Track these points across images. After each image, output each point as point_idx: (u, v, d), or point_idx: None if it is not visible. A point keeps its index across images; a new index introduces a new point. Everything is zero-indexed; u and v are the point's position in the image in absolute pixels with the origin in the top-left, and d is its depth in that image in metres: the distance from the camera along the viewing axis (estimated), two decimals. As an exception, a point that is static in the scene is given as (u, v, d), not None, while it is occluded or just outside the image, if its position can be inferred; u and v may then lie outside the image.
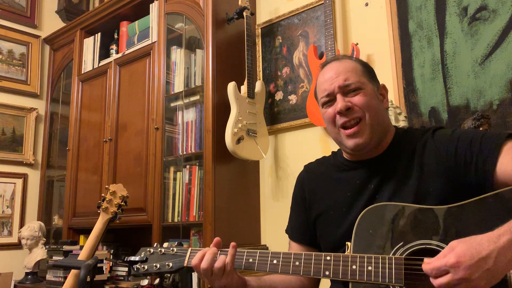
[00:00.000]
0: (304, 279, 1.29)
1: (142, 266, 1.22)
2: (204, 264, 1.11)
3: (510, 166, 0.99)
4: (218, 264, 1.11)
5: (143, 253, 1.24)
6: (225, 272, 1.11)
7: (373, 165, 1.20)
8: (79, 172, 3.24)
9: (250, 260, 1.12)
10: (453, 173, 1.07)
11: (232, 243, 1.13)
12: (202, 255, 1.14)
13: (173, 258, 1.20)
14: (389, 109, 1.86)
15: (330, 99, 1.21)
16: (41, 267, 3.20)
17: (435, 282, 0.87)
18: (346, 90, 1.18)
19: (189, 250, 1.20)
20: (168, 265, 1.20)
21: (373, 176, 1.19)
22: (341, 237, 1.17)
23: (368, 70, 1.24)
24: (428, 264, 0.89)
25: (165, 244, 1.26)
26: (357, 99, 1.17)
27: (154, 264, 1.21)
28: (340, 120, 1.18)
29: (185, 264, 1.18)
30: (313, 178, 1.34)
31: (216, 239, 1.18)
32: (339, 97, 1.18)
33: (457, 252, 0.86)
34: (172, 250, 1.22)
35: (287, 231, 1.39)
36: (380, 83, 1.27)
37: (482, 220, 0.94)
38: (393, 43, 2.19)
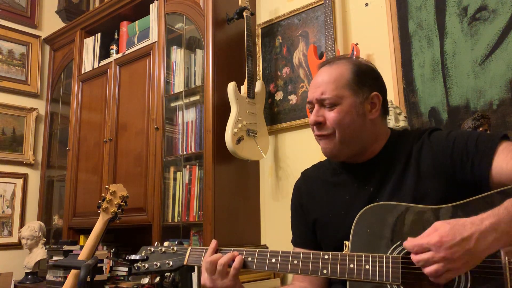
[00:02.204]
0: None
1: (143, 264, 1.23)
2: (214, 257, 1.14)
3: (505, 166, 1.00)
4: (225, 259, 1.13)
5: (144, 252, 1.25)
6: (230, 273, 1.13)
7: (369, 168, 1.21)
8: (79, 172, 3.24)
9: (249, 259, 1.13)
10: (449, 174, 1.09)
11: (238, 256, 1.15)
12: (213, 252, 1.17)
13: (174, 257, 1.21)
14: (389, 109, 1.86)
15: (312, 107, 1.23)
16: (41, 267, 3.20)
17: (415, 258, 0.90)
18: (322, 103, 1.20)
19: (189, 248, 1.21)
20: (169, 263, 1.21)
21: (370, 178, 1.19)
22: (341, 239, 1.17)
23: (357, 79, 1.20)
24: (410, 241, 0.91)
25: (166, 243, 1.27)
26: (330, 116, 1.18)
27: (155, 263, 1.22)
28: (314, 132, 1.23)
29: (185, 263, 1.20)
30: (310, 183, 1.35)
31: (213, 243, 1.19)
32: (315, 108, 1.21)
33: (441, 232, 0.89)
34: (173, 248, 1.23)
35: (291, 241, 1.39)
36: (373, 92, 1.21)
37: None
38: (393, 43, 2.19)
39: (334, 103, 1.17)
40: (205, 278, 1.15)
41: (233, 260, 1.14)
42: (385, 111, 1.26)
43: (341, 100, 1.18)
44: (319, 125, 1.20)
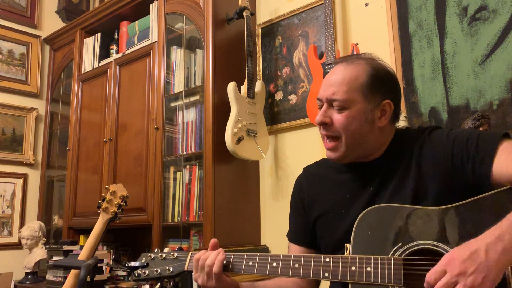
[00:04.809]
0: (301, 283, 1.29)
1: (143, 271, 1.22)
2: (204, 257, 1.14)
3: (506, 166, 1.00)
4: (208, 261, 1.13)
5: (143, 258, 1.25)
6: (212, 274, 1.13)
7: (371, 168, 1.20)
8: (79, 172, 3.24)
9: (250, 263, 1.13)
10: (450, 174, 1.08)
11: (219, 250, 1.15)
12: (205, 252, 1.16)
13: (174, 263, 1.21)
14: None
15: (321, 104, 1.22)
16: (41, 267, 3.20)
17: (436, 287, 0.88)
18: (331, 103, 1.18)
19: (190, 254, 1.21)
20: (169, 269, 1.20)
21: (372, 178, 1.19)
22: (341, 238, 1.17)
23: (371, 85, 1.16)
24: (427, 276, 0.90)
25: (166, 249, 1.27)
26: (337, 118, 1.16)
27: (155, 269, 1.21)
28: (321, 130, 1.21)
29: (185, 268, 1.19)
30: (312, 180, 1.34)
31: (213, 241, 1.19)
32: (324, 107, 1.19)
33: (450, 253, 0.90)
34: (173, 254, 1.22)
35: (287, 235, 1.39)
36: (386, 100, 1.17)
37: (480, 220, 0.95)
38: (393, 43, 2.18)
39: (343, 106, 1.15)
40: (196, 276, 1.16)
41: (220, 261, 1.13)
42: (396, 117, 1.22)
43: (351, 104, 1.15)
44: (325, 125, 1.19)
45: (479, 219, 0.96)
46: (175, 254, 1.22)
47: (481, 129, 1.70)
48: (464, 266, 0.85)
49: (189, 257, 1.20)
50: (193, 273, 1.17)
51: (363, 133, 1.17)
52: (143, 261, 1.24)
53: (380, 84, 1.18)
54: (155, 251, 1.26)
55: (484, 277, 0.85)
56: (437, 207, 1.02)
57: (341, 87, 1.16)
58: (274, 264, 1.10)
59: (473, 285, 0.84)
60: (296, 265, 1.07)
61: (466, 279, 0.85)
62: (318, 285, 1.33)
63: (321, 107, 1.22)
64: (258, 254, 1.13)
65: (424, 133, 1.18)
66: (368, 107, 1.16)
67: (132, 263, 1.23)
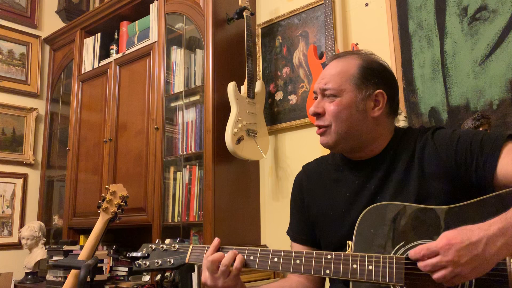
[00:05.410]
0: (307, 283, 1.29)
1: (144, 262, 1.22)
2: (216, 257, 1.13)
3: (510, 167, 0.99)
4: (226, 260, 1.12)
5: (144, 249, 1.25)
6: (231, 273, 1.12)
7: (372, 165, 1.20)
8: (79, 172, 3.24)
9: (251, 258, 1.13)
10: (453, 174, 1.07)
11: (239, 255, 1.13)
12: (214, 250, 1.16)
13: (175, 255, 1.21)
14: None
15: (316, 97, 1.25)
16: (41, 267, 3.20)
17: (422, 263, 0.89)
18: (325, 94, 1.21)
19: (191, 247, 1.21)
20: (170, 261, 1.20)
21: (372, 176, 1.18)
22: (341, 237, 1.16)
23: (362, 75, 1.19)
24: (417, 248, 0.90)
25: (167, 241, 1.26)
26: (329, 107, 1.19)
27: (156, 260, 1.21)
28: (314, 122, 1.24)
29: (186, 261, 1.19)
30: (311, 178, 1.34)
31: (216, 241, 1.18)
32: (317, 99, 1.23)
33: (448, 235, 0.89)
34: (174, 246, 1.22)
35: (288, 233, 1.38)
36: (378, 90, 1.19)
37: (483, 221, 0.94)
38: (393, 43, 2.19)
39: (335, 95, 1.18)
40: (206, 276, 1.14)
41: (234, 260, 1.13)
42: (392, 111, 1.23)
43: (342, 93, 1.18)
44: (318, 115, 1.21)
45: (482, 220, 0.95)
46: (176, 246, 1.22)
47: (481, 129, 1.70)
48: (458, 255, 0.86)
49: (190, 249, 1.20)
50: (202, 273, 1.17)
51: (354, 122, 1.18)
52: (143, 251, 1.24)
53: (371, 74, 1.20)
54: (156, 242, 1.25)
55: (473, 269, 0.85)
56: (441, 207, 1.02)
57: (333, 77, 1.20)
58: (276, 259, 1.10)
59: (460, 274, 0.85)
60: (298, 261, 1.07)
61: (455, 268, 0.85)
62: (323, 285, 1.33)
63: (315, 99, 1.24)
64: (259, 249, 1.14)
65: (427, 133, 1.18)
66: (359, 96, 1.18)
67: (133, 254, 1.23)
